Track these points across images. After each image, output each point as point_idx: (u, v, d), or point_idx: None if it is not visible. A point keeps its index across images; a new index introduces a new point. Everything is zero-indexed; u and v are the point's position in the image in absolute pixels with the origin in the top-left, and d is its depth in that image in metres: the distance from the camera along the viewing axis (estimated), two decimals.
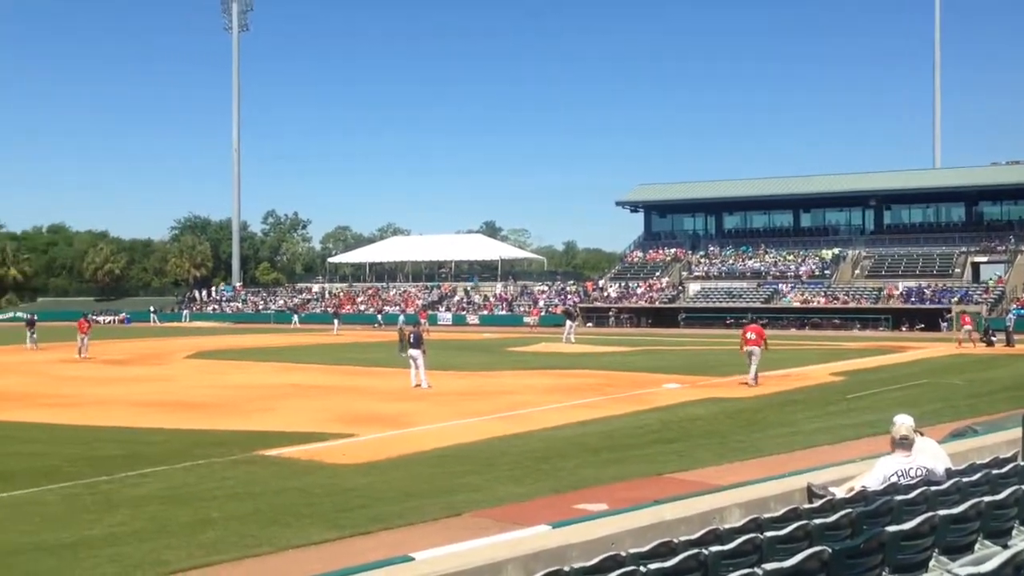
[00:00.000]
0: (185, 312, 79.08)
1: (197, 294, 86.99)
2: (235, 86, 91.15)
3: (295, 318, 67.32)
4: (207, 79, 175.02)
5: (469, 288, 76.32)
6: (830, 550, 4.53)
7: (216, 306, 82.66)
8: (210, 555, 7.78)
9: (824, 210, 72.06)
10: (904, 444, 6.87)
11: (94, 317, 40.28)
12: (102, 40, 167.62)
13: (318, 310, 73.04)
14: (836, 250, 66.53)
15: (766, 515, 5.98)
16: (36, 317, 44.06)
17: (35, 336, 39.46)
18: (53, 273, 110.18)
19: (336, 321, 57.50)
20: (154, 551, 7.92)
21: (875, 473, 6.84)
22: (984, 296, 55.36)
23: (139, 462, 12.34)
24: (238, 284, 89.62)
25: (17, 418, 17.10)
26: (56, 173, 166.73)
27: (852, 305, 58.65)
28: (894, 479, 6.72)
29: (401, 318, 23.70)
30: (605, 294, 68.06)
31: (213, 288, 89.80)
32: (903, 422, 6.91)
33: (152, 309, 77.62)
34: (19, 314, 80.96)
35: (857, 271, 64.31)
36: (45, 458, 12.84)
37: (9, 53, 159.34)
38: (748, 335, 23.11)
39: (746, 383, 22.39)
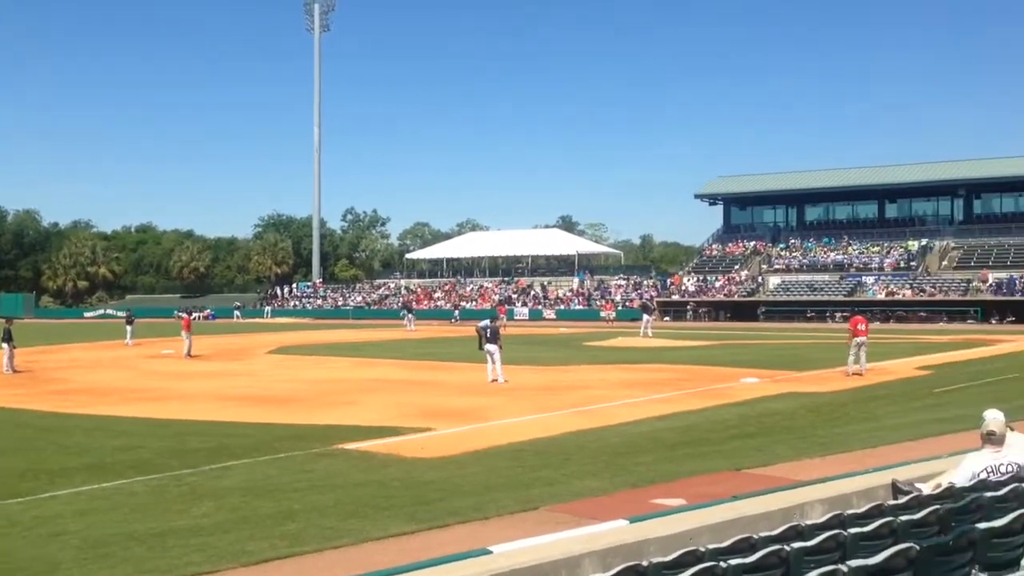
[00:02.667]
0: (267, 308, 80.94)
1: (279, 291, 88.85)
2: (316, 85, 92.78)
3: (409, 315, 55.76)
4: (289, 79, 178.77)
5: (545, 283, 76.26)
6: (917, 547, 4.40)
7: (297, 302, 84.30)
8: (292, 546, 7.92)
9: (911, 200, 70.14)
10: (994, 440, 6.66)
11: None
12: (187, 42, 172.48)
13: (395, 306, 73.43)
14: (923, 241, 64.70)
15: (849, 511, 5.85)
16: (133, 313, 45.31)
17: (132, 332, 40.60)
18: (141, 271, 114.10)
19: (410, 316, 57.56)
20: (238, 541, 8.11)
21: (963, 469, 6.65)
22: None
23: (223, 455, 12.65)
24: (318, 280, 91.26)
25: (110, 412, 17.68)
26: (144, 175, 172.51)
27: (939, 297, 56.89)
28: (983, 476, 6.51)
29: (487, 321, 23.66)
30: (682, 288, 67.31)
31: (294, 285, 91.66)
32: (993, 417, 6.69)
33: (237, 305, 79.52)
34: (109, 311, 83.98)
35: (945, 262, 62.43)
36: (135, 451, 13.24)
37: (99, 58, 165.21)
38: (859, 326, 23.60)
39: (854, 373, 23.00)
